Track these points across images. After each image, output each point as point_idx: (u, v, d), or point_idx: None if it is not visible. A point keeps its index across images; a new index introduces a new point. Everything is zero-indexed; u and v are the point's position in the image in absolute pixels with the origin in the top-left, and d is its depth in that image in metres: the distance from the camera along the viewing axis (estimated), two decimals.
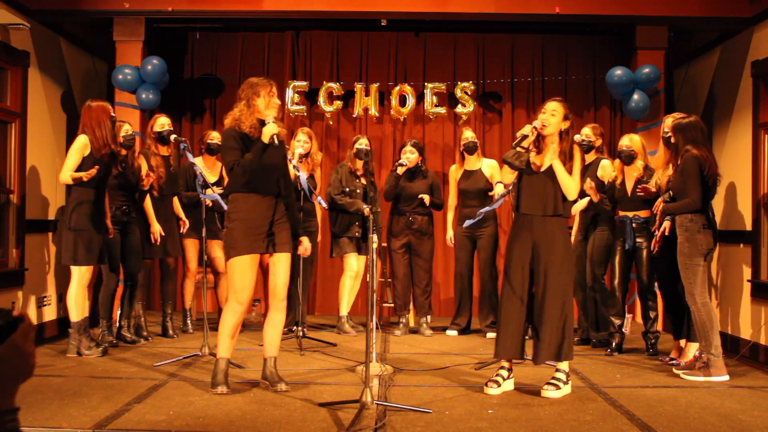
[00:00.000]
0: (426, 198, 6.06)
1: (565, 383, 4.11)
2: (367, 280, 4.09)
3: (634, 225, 5.35)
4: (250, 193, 3.99)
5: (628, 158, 5.40)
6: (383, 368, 4.57)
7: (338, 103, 7.38)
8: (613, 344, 5.44)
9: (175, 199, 5.95)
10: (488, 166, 6.22)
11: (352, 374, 4.57)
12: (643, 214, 5.34)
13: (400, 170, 6.05)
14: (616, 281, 5.46)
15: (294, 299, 6.00)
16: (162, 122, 5.76)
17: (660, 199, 4.97)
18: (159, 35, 7.15)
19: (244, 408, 3.69)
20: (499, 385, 4.10)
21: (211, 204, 5.32)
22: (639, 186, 5.20)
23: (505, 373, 4.16)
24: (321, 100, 7.33)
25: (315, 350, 5.35)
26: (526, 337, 4.23)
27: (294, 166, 5.36)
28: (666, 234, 4.93)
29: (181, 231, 5.94)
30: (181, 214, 5.95)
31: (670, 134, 4.90)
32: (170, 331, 5.86)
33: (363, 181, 6.14)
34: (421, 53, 7.64)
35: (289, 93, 7.36)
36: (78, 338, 5.01)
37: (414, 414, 3.62)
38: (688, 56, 7.14)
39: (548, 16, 6.45)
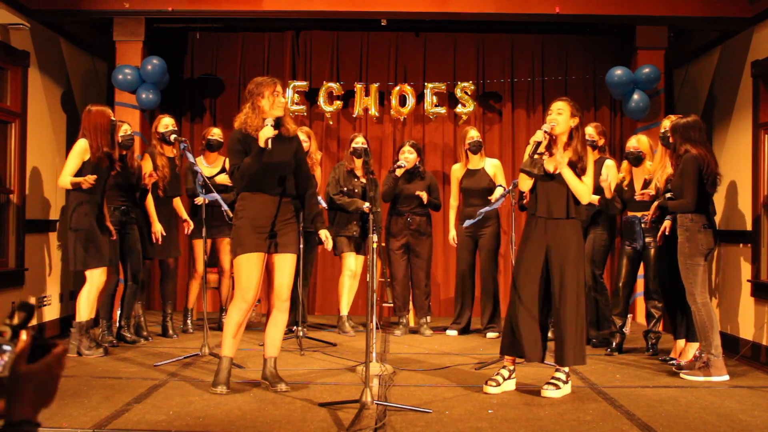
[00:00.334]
0: (423, 195, 6.05)
1: (565, 383, 4.11)
2: (367, 280, 4.09)
3: (643, 225, 5.35)
4: (257, 192, 4.00)
5: (636, 159, 5.40)
6: (383, 368, 4.56)
7: (338, 103, 7.38)
8: (614, 344, 5.44)
9: (178, 200, 5.95)
10: (491, 166, 6.22)
11: (352, 374, 4.57)
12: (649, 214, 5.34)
13: (399, 171, 6.05)
14: (621, 282, 5.45)
15: (294, 299, 6.00)
16: (166, 123, 5.76)
17: (656, 203, 4.97)
18: (159, 35, 7.14)
19: (244, 408, 3.69)
20: (499, 384, 4.10)
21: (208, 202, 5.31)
22: (639, 192, 5.18)
23: (506, 372, 4.16)
24: (321, 100, 7.33)
25: (315, 350, 5.35)
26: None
27: None
28: (666, 234, 4.94)
29: (186, 232, 5.94)
30: (184, 215, 5.95)
31: (668, 134, 4.90)
32: (170, 331, 5.86)
33: (362, 180, 6.14)
34: (421, 53, 7.64)
35: (289, 93, 7.35)
36: (79, 338, 5.01)
37: (414, 414, 3.62)
38: (688, 56, 7.14)
39: (548, 16, 6.45)
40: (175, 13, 6.48)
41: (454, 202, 6.36)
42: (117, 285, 5.52)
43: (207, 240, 5.91)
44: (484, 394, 4.07)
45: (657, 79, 6.69)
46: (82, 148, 4.93)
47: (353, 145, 6.13)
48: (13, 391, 1.13)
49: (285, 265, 4.06)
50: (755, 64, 5.86)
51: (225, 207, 4.99)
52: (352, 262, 6.18)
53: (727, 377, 4.57)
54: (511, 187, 5.41)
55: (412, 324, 6.45)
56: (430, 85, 7.38)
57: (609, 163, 5.60)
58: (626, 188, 5.43)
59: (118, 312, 5.72)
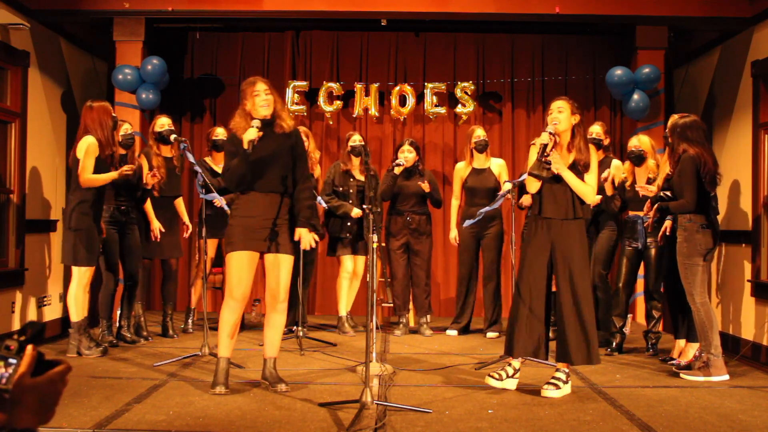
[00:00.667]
0: (425, 185, 6.03)
1: (565, 383, 4.10)
2: (367, 280, 4.08)
3: (645, 225, 5.35)
4: (251, 191, 4.01)
5: (638, 159, 5.40)
6: (383, 368, 4.56)
7: (338, 103, 7.38)
8: (614, 344, 5.44)
9: (180, 201, 5.95)
10: (497, 165, 6.22)
11: (352, 374, 4.57)
12: (649, 215, 5.35)
13: (398, 170, 6.05)
14: (622, 282, 5.45)
15: (294, 299, 6.00)
16: (162, 122, 5.76)
17: (656, 206, 4.98)
18: (159, 35, 7.14)
19: (244, 408, 3.69)
20: (501, 379, 4.09)
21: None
22: (638, 185, 5.18)
23: (510, 370, 4.16)
24: (321, 100, 7.33)
25: (315, 350, 5.35)
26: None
27: None
28: (667, 234, 4.94)
29: (183, 235, 5.93)
30: (185, 218, 5.94)
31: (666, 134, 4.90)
32: (170, 331, 5.86)
33: (358, 179, 6.13)
34: (421, 53, 7.64)
35: (289, 93, 7.35)
36: (78, 338, 5.01)
37: (414, 414, 3.62)
38: (688, 56, 7.14)
39: (548, 16, 6.45)
40: (175, 13, 6.48)
41: (455, 201, 6.35)
42: (116, 285, 5.52)
43: (207, 240, 5.92)
44: (485, 394, 4.06)
45: (657, 79, 6.69)
46: (94, 145, 4.92)
47: (350, 143, 6.13)
48: (17, 402, 1.17)
49: (279, 265, 4.04)
50: (755, 64, 5.86)
51: (225, 206, 4.98)
52: (350, 264, 6.18)
53: (727, 377, 4.57)
54: (511, 187, 5.41)
55: (412, 324, 6.45)
56: (430, 85, 7.38)
57: (616, 163, 5.61)
58: (628, 188, 5.43)
59: (118, 312, 5.72)
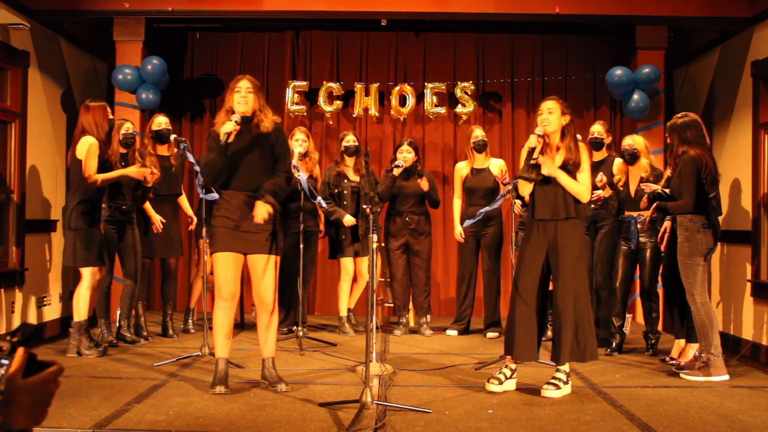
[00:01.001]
0: (424, 184, 6.03)
1: (565, 383, 4.11)
2: (367, 280, 4.08)
3: (638, 225, 5.35)
4: (231, 190, 4.01)
5: (632, 158, 5.40)
6: (383, 368, 4.56)
7: (338, 103, 7.38)
8: (613, 344, 5.44)
9: (183, 198, 5.95)
10: (496, 166, 6.22)
11: (352, 374, 4.57)
12: (646, 214, 5.35)
13: (397, 171, 6.05)
14: (618, 282, 5.46)
15: (294, 299, 6.00)
16: (159, 121, 5.76)
17: (654, 204, 4.99)
18: (159, 35, 7.14)
19: (244, 408, 3.69)
20: (501, 383, 4.10)
21: None
22: (643, 184, 5.18)
23: (508, 372, 4.17)
24: (321, 100, 7.33)
25: (315, 350, 5.35)
26: (543, 339, 4.25)
27: (294, 166, 5.36)
28: (666, 234, 4.95)
29: (190, 228, 5.95)
30: (189, 211, 5.95)
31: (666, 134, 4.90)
32: (170, 331, 5.86)
33: (353, 178, 6.13)
34: (421, 53, 7.64)
35: (289, 93, 7.36)
36: (78, 338, 5.01)
37: (414, 414, 3.62)
38: (688, 56, 7.14)
39: (548, 16, 6.45)
40: (175, 13, 6.48)
41: (457, 199, 6.34)
42: (110, 283, 5.52)
43: (207, 240, 5.92)
44: (484, 394, 4.07)
45: (657, 79, 6.69)
46: (95, 145, 4.93)
47: (344, 143, 6.14)
48: (10, 402, 1.19)
49: (259, 266, 4.01)
50: (755, 64, 5.86)
51: None
52: (350, 266, 6.18)
53: (727, 377, 4.57)
54: (510, 188, 5.41)
55: (412, 324, 6.45)
56: (430, 85, 7.38)
57: (618, 162, 5.61)
58: (621, 188, 5.43)
59: (118, 312, 5.72)
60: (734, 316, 5.98)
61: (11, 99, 5.76)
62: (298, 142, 5.91)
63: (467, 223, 5.88)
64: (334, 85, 7.34)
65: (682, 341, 5.10)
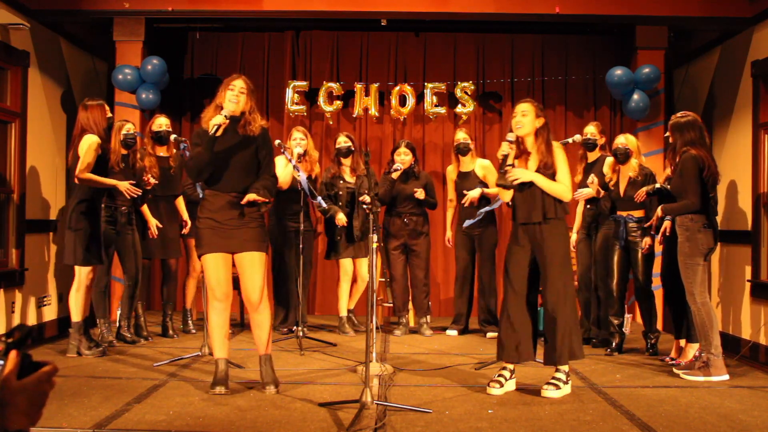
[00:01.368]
0: (420, 193, 6.04)
1: (565, 383, 4.11)
2: (366, 282, 4.08)
3: (629, 224, 5.36)
4: (216, 191, 4.00)
5: (624, 156, 5.40)
6: (383, 368, 4.56)
7: (338, 103, 7.38)
8: (613, 344, 5.44)
9: (180, 200, 5.94)
10: (481, 167, 6.21)
11: (352, 374, 4.57)
12: (637, 213, 5.36)
13: (395, 174, 6.06)
14: (614, 281, 5.46)
15: (294, 299, 6.01)
16: (160, 122, 5.76)
17: (643, 189, 5.00)
18: (159, 35, 7.14)
19: (244, 408, 3.69)
20: (502, 386, 4.10)
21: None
22: (636, 195, 5.19)
23: (507, 373, 4.17)
24: (321, 100, 7.33)
25: (315, 350, 5.35)
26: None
27: (294, 166, 5.36)
28: (667, 234, 4.95)
29: (183, 232, 5.93)
30: (184, 214, 5.94)
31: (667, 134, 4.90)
32: (170, 331, 5.86)
33: (349, 180, 6.13)
34: (421, 53, 7.64)
35: (289, 93, 7.36)
36: (78, 338, 5.01)
37: (414, 414, 3.62)
38: (688, 56, 7.14)
39: (548, 16, 6.46)
40: (175, 13, 6.48)
41: (450, 203, 6.36)
42: (108, 283, 5.52)
43: None
44: (484, 394, 4.06)
45: (657, 79, 6.69)
46: (95, 143, 4.90)
47: (336, 145, 6.15)
48: (5, 403, 1.19)
49: (246, 264, 4.00)
50: (755, 64, 5.86)
51: None
52: (349, 267, 6.17)
53: (727, 377, 4.57)
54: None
55: (412, 324, 6.45)
56: (430, 85, 7.38)
57: (610, 160, 5.61)
58: (612, 187, 5.43)
59: (118, 312, 5.72)
60: (734, 316, 5.98)
61: (11, 99, 5.77)
62: (296, 141, 5.91)
63: (467, 223, 5.88)
64: (334, 85, 7.34)
65: (682, 341, 5.10)
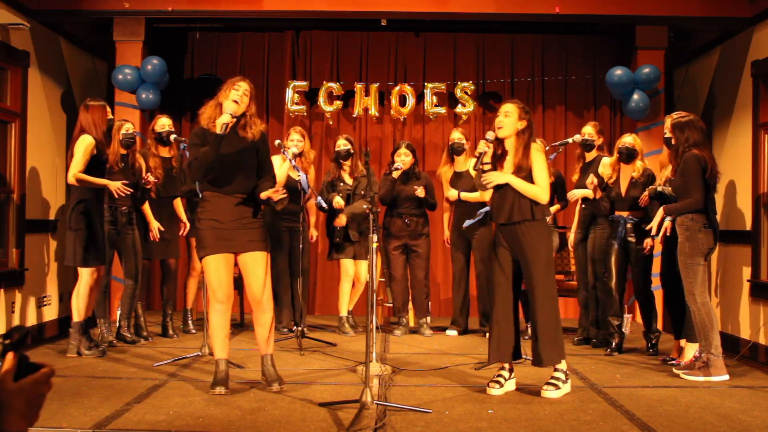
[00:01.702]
0: (420, 191, 6.04)
1: (564, 382, 4.11)
2: (367, 280, 4.09)
3: (628, 225, 5.36)
4: (216, 193, 3.99)
5: (629, 156, 5.39)
6: (383, 368, 4.56)
7: (338, 103, 7.38)
8: (613, 344, 5.43)
9: (178, 201, 5.94)
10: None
11: (352, 374, 4.57)
12: (636, 214, 5.35)
13: (396, 174, 6.06)
14: (613, 282, 5.45)
15: (294, 299, 6.00)
16: (162, 123, 5.76)
17: (646, 192, 5.00)
18: (159, 35, 7.14)
19: (244, 408, 3.69)
20: (502, 386, 4.10)
21: None
22: (641, 200, 5.18)
23: (506, 373, 4.17)
24: (321, 100, 7.33)
25: (315, 350, 5.35)
26: (525, 338, 4.26)
27: (294, 167, 5.37)
28: (667, 234, 4.94)
29: (181, 233, 5.93)
30: (183, 216, 5.94)
31: (669, 135, 4.89)
32: (170, 331, 5.86)
33: (348, 181, 6.13)
34: (421, 53, 7.64)
35: (289, 93, 7.36)
36: (78, 338, 5.01)
37: (414, 414, 3.62)
38: (688, 56, 7.14)
39: (548, 16, 6.46)
40: (175, 13, 6.48)
41: (446, 203, 6.37)
42: (108, 283, 5.52)
43: None
44: (484, 394, 4.06)
45: (657, 79, 6.69)
46: (91, 144, 4.90)
47: (335, 148, 6.15)
48: (2, 405, 1.19)
49: (250, 264, 4.01)
50: (755, 64, 5.86)
51: None
52: (350, 267, 6.17)
53: (726, 377, 4.57)
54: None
55: (412, 324, 6.45)
56: (430, 85, 7.38)
57: (605, 161, 5.60)
58: (612, 186, 5.43)
59: (118, 312, 5.72)
60: (733, 316, 5.98)
61: (11, 99, 5.77)
62: (293, 142, 5.90)
63: (467, 223, 5.88)
64: (334, 85, 7.34)
65: (682, 341, 5.10)
